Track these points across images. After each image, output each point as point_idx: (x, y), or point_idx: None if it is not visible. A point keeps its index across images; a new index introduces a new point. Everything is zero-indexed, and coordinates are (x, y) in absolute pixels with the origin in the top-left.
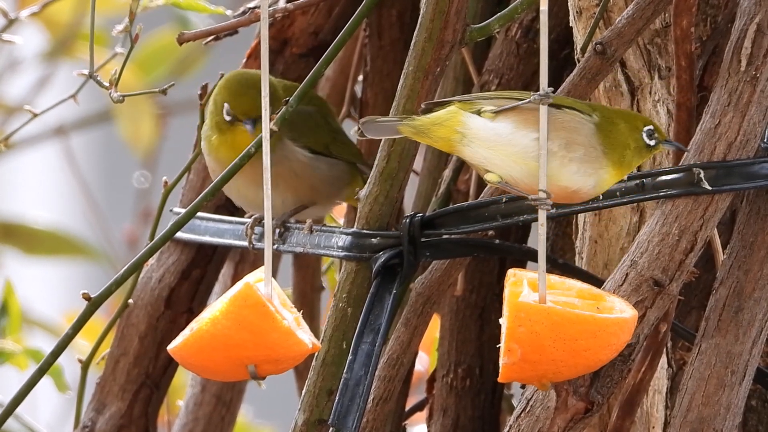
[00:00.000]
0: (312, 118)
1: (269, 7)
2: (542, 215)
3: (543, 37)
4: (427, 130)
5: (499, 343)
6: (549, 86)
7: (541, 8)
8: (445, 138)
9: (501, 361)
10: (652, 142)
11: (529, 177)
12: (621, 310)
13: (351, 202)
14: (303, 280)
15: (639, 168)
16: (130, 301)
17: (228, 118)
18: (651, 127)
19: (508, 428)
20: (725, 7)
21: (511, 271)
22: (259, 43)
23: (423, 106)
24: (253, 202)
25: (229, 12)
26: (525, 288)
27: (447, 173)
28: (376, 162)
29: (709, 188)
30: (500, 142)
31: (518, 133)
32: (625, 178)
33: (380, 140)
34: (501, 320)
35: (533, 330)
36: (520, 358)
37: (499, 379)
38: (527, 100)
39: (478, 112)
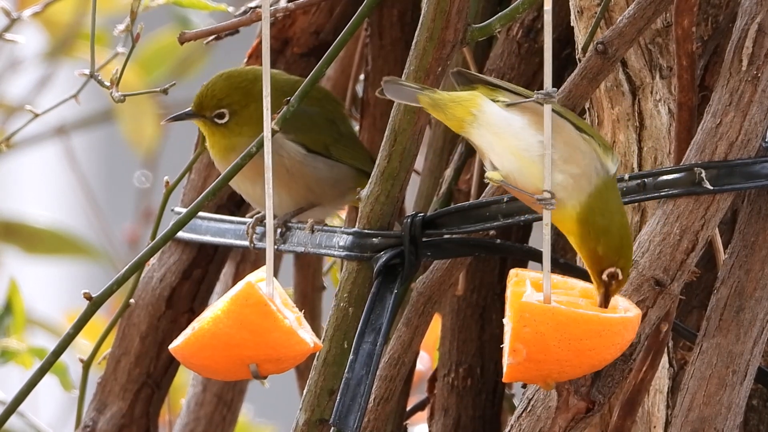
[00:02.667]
0: (309, 116)
1: (270, 6)
2: (547, 215)
3: (547, 36)
4: (444, 106)
5: (501, 342)
6: (552, 86)
7: (545, 8)
8: (458, 117)
9: (506, 362)
10: (605, 277)
11: (519, 172)
12: (625, 309)
13: (355, 204)
14: (304, 280)
15: (640, 167)
16: (132, 300)
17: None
18: (615, 271)
19: (509, 428)
20: (726, 6)
21: (513, 271)
22: (260, 43)
23: (456, 70)
24: (249, 196)
25: (231, 9)
26: (528, 288)
27: (448, 173)
28: (377, 162)
29: (711, 188)
30: (508, 132)
31: (528, 130)
32: (626, 177)
33: (381, 142)
34: (504, 320)
35: (538, 330)
36: (525, 359)
37: (504, 379)
38: (531, 98)
39: (494, 101)
